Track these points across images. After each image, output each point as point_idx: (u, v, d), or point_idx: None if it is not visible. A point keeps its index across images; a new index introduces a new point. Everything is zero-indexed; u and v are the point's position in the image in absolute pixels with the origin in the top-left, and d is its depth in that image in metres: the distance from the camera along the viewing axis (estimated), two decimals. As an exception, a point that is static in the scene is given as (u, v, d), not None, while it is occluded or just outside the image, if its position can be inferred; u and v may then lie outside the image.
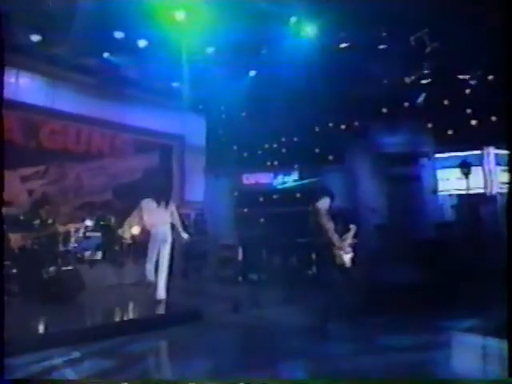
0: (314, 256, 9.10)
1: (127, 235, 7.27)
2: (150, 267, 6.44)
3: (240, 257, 9.97)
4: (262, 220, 10.80)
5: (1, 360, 3.19)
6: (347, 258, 5.07)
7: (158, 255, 6.41)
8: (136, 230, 7.22)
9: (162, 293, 6.32)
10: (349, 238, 5.18)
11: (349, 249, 5.11)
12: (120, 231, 7.16)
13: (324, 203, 5.14)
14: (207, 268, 9.78)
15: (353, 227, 5.24)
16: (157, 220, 6.46)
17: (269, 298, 7.39)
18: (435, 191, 10.45)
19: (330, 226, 4.99)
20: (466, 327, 5.02)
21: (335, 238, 4.99)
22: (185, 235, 6.69)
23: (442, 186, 10.53)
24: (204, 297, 7.11)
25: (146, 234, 6.89)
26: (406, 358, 4.16)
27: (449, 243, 7.62)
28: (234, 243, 10.19)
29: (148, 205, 6.51)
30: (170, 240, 6.47)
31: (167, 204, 6.62)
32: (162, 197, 6.71)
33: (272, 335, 5.09)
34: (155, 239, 6.45)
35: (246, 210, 11.03)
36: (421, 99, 10.39)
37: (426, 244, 7.83)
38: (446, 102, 10.08)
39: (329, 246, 5.00)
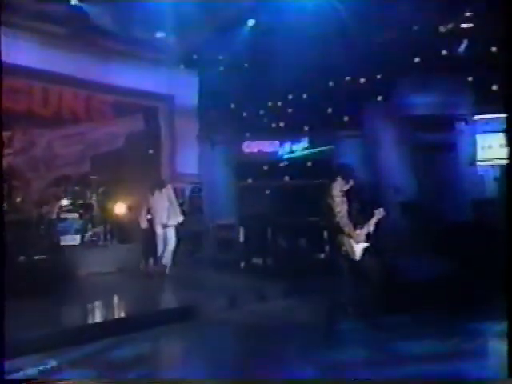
0: (326, 237, 9.11)
1: (144, 224, 8.08)
2: (160, 252, 7.81)
3: (241, 238, 10.02)
4: (266, 195, 10.84)
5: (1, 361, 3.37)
6: (358, 248, 4.98)
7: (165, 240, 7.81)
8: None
9: (167, 260, 7.80)
10: (369, 225, 5.07)
11: (362, 238, 5.00)
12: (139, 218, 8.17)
13: (339, 184, 5.04)
14: (203, 252, 9.86)
15: (378, 213, 5.07)
16: (158, 206, 7.79)
17: (275, 288, 7.40)
18: (474, 162, 10.27)
19: (341, 209, 4.92)
20: (500, 331, 5.00)
21: (345, 223, 4.92)
22: (180, 217, 8.01)
23: (481, 155, 10.35)
24: (199, 288, 7.14)
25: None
26: (429, 367, 4.17)
27: (489, 226, 7.47)
28: (235, 222, 10.24)
29: (149, 193, 7.86)
30: (172, 223, 7.85)
31: (161, 188, 7.90)
32: (158, 183, 8.06)
33: (275, 337, 5.13)
34: (159, 224, 7.79)
35: (247, 183, 11.03)
36: (462, 48, 10.02)
37: (461, 227, 7.70)
38: (492, 50, 9.64)
39: (338, 232, 4.96)
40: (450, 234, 7.49)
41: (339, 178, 5.04)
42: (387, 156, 10.36)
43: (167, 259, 7.90)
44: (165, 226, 7.85)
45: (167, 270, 7.88)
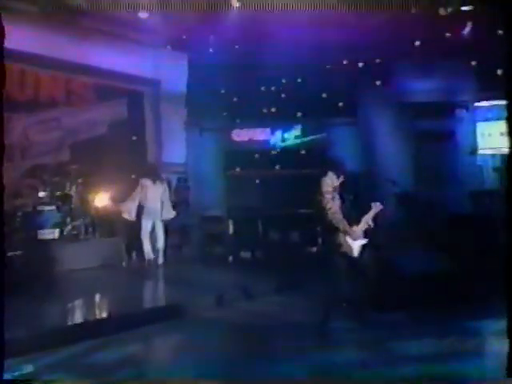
0: (319, 229, 9.16)
1: (133, 214, 8.27)
2: (147, 246, 8.11)
3: (230, 231, 10.07)
4: (256, 186, 10.81)
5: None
6: (356, 245, 4.97)
7: (152, 232, 8.12)
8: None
9: (151, 254, 8.12)
10: (367, 220, 5.05)
11: (359, 234, 4.99)
12: (122, 207, 8.35)
13: (329, 179, 5.02)
14: (190, 246, 9.84)
15: (375, 206, 5.05)
16: (152, 197, 8.12)
17: (265, 284, 7.43)
18: (474, 151, 10.29)
19: (331, 205, 4.90)
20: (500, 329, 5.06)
21: (338, 220, 4.90)
22: (172, 213, 8.43)
23: (482, 143, 10.39)
24: (186, 284, 7.15)
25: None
26: (427, 368, 4.20)
27: (489, 218, 7.52)
28: (223, 214, 10.26)
29: (146, 182, 8.16)
30: (165, 218, 8.30)
31: (161, 181, 8.31)
32: (156, 173, 8.40)
33: (265, 336, 5.14)
34: (149, 217, 8.12)
35: (236, 173, 10.96)
36: (465, 30, 9.96)
37: (460, 220, 7.76)
38: (499, 33, 9.57)
39: (333, 230, 4.94)
40: (449, 227, 7.53)
41: (330, 173, 5.01)
42: (384, 145, 10.34)
43: (160, 257, 8.20)
44: (156, 221, 8.15)
45: (160, 267, 8.14)
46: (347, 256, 4.96)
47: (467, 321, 5.37)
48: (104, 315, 5.93)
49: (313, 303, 5.57)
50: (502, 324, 3.93)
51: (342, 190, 5.04)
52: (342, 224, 4.91)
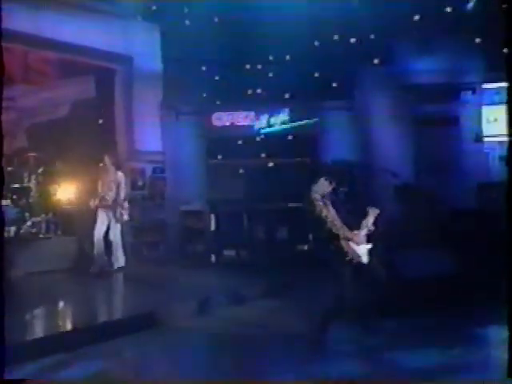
0: (310, 225, 9.18)
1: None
2: (120, 253, 8.06)
3: (212, 227, 10.06)
4: (240, 176, 10.76)
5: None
6: (361, 250, 5.07)
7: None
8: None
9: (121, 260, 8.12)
10: (367, 225, 5.15)
11: (362, 238, 5.10)
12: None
13: (322, 186, 5.09)
14: (167, 244, 9.82)
15: (372, 211, 5.18)
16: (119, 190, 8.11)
17: (251, 286, 7.40)
18: (480, 138, 10.32)
19: (327, 212, 5.00)
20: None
21: (339, 226, 5.01)
22: None
23: (487, 129, 10.43)
24: (163, 288, 7.11)
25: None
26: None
27: (496, 213, 7.54)
28: (203, 209, 10.25)
29: (122, 175, 8.19)
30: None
31: (119, 169, 8.27)
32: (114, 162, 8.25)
33: (252, 346, 5.10)
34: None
35: (218, 162, 10.90)
36: (470, 4, 9.96)
37: (465, 215, 7.79)
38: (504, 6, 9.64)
39: (334, 238, 5.02)
40: (450, 222, 7.57)
41: (322, 179, 5.10)
42: (382, 131, 10.34)
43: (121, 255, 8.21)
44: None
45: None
46: (354, 263, 5.05)
47: (474, 325, 5.44)
48: (68, 327, 5.82)
49: (306, 308, 5.55)
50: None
51: (335, 194, 5.13)
52: (343, 230, 5.02)
